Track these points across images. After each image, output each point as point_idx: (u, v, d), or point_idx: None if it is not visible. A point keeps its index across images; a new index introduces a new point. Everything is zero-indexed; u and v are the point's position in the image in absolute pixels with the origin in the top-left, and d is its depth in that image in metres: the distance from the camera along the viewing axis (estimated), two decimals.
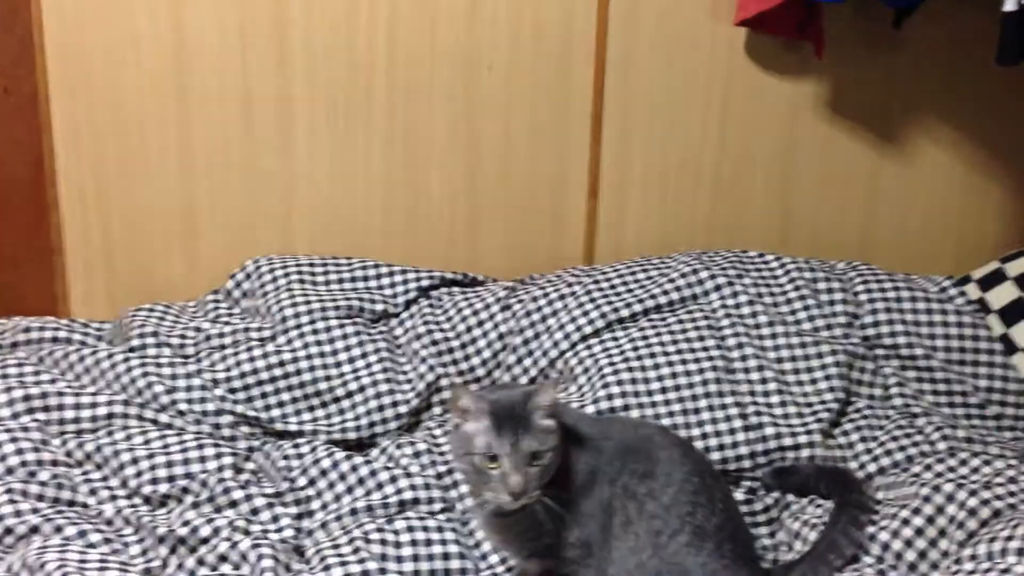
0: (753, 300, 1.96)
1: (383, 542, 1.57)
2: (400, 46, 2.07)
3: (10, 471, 1.63)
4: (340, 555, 1.52)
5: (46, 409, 1.76)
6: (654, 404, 1.80)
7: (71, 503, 1.62)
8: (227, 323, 1.98)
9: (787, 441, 1.75)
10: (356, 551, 1.53)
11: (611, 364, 1.86)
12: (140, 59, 2.01)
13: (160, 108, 2.04)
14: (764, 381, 1.84)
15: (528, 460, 1.33)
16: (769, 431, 1.76)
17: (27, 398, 1.75)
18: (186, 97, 2.04)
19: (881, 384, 1.89)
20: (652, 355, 1.86)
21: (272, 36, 2.03)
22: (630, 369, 1.84)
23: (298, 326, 1.93)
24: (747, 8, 2.07)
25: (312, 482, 1.70)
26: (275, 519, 1.62)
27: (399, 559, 1.55)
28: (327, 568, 1.48)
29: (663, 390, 1.82)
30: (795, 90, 2.20)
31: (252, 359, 1.89)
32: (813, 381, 1.85)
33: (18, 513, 1.54)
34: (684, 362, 1.85)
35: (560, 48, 2.12)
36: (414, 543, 1.58)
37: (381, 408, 1.86)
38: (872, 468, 1.75)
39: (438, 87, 2.11)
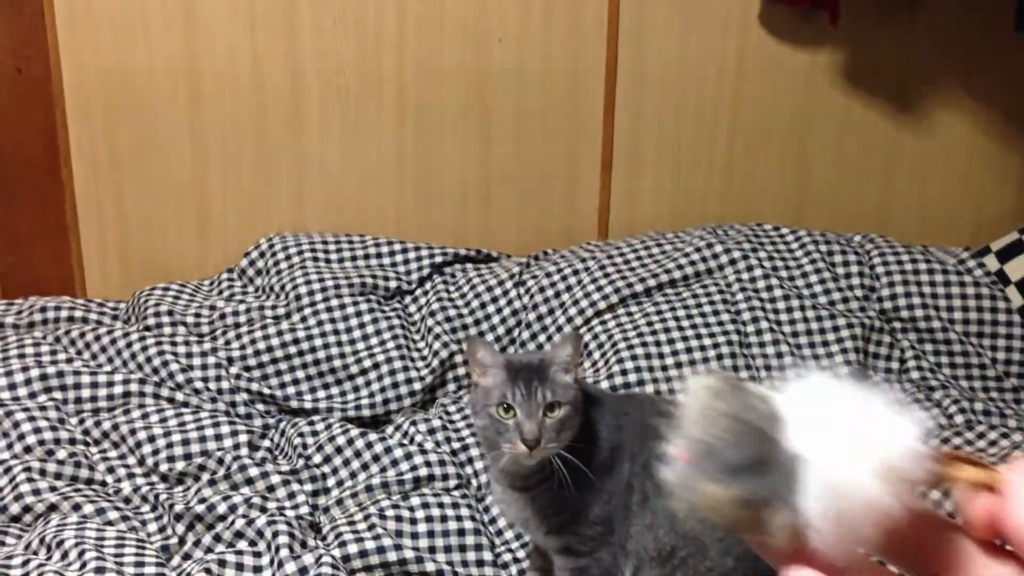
0: (768, 274, 1.94)
1: (398, 518, 1.57)
2: (410, 19, 2.06)
3: (28, 450, 1.64)
4: (356, 531, 1.53)
5: (63, 388, 1.76)
6: (669, 379, 1.79)
7: (89, 481, 1.63)
8: (242, 301, 1.99)
9: None
10: (371, 527, 1.54)
11: (626, 340, 1.85)
12: (151, 37, 2.00)
13: (171, 86, 2.04)
14: (780, 355, 1.83)
15: (543, 410, 1.31)
16: None
17: (44, 377, 1.76)
18: (197, 75, 2.03)
19: (898, 357, 1.88)
20: (667, 330, 1.85)
21: (281, 12, 2.02)
22: (644, 344, 1.84)
23: (312, 304, 1.93)
24: None
25: (327, 459, 1.70)
26: (291, 496, 1.62)
27: (414, 535, 1.55)
28: (343, 544, 1.49)
29: (678, 365, 1.81)
30: (810, 61, 2.18)
31: (267, 337, 1.89)
32: (829, 355, 1.84)
33: (36, 491, 1.55)
34: (699, 337, 1.84)
35: (572, 19, 2.10)
36: (429, 519, 1.58)
37: (396, 385, 1.86)
38: None
39: (449, 61, 2.10)
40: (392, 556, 1.48)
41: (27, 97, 1.98)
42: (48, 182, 2.04)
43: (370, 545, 1.49)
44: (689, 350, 1.83)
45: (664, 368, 1.81)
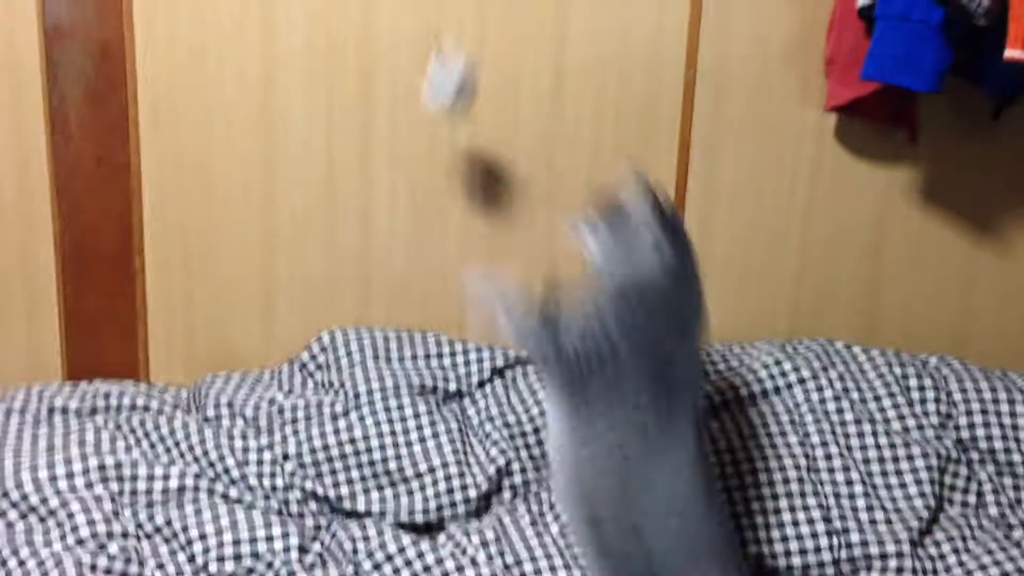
0: (839, 395, 1.88)
1: None
2: (484, 123, 2.07)
3: (80, 543, 1.64)
4: None
5: (120, 479, 1.76)
6: (732, 503, 1.73)
7: None
8: (301, 396, 1.98)
9: (874, 550, 1.66)
10: None
11: None
12: (230, 133, 2.04)
13: (246, 180, 2.07)
14: (850, 483, 1.76)
15: None
16: (855, 537, 1.67)
17: (102, 467, 1.76)
18: (271, 170, 2.07)
19: (976, 490, 1.79)
20: (731, 450, 1.80)
21: (357, 115, 2.05)
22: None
23: (371, 402, 1.91)
24: (839, 95, 2.02)
25: (377, 567, 1.67)
26: None
27: None
28: None
29: (741, 487, 1.75)
30: (887, 176, 2.14)
31: (323, 435, 1.87)
32: (903, 485, 1.76)
33: None
34: (764, 458, 1.78)
35: (644, 129, 2.10)
36: None
37: (451, 491, 1.83)
38: None
39: (519, 167, 2.10)
40: None
41: (107, 186, 2.03)
42: (121, 270, 2.07)
43: None
44: (754, 471, 1.77)
45: (727, 490, 1.75)
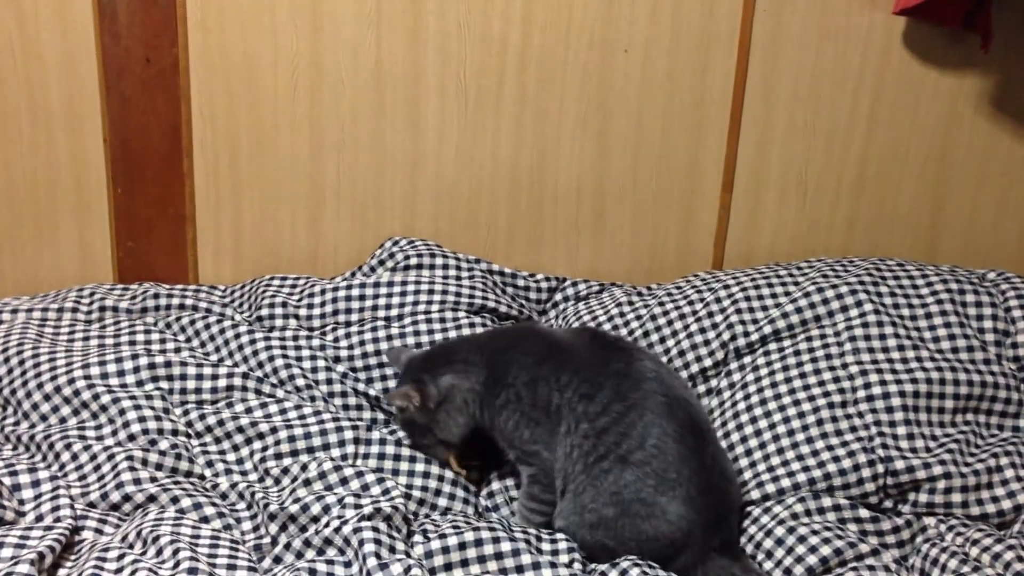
0: (883, 321, 1.82)
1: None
2: (535, 26, 2.02)
3: (132, 438, 1.67)
4: (456, 527, 1.52)
5: (169, 378, 1.79)
6: (763, 445, 1.70)
7: (188, 474, 1.65)
8: (355, 300, 1.97)
9: (921, 474, 1.63)
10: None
11: (722, 414, 1.79)
12: (277, 33, 2.01)
13: (293, 83, 2.04)
14: (890, 410, 1.71)
15: None
16: (899, 464, 1.64)
17: (152, 366, 1.79)
18: (319, 71, 2.04)
19: None
20: (763, 401, 1.75)
21: (407, 13, 2.01)
22: (736, 415, 1.76)
23: (427, 312, 1.92)
24: None
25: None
26: (386, 492, 1.61)
27: (509, 527, 1.55)
28: (443, 536, 1.47)
29: (775, 438, 1.71)
30: (955, 85, 2.05)
31: (376, 340, 1.88)
32: (941, 410, 1.72)
33: (137, 481, 1.58)
34: (797, 403, 1.73)
35: (702, 32, 2.03)
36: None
37: None
38: (1023, 499, 1.63)
39: (571, 69, 2.05)
40: (489, 549, 1.46)
41: (155, 87, 2.02)
42: (170, 172, 2.08)
43: (469, 537, 1.46)
44: (786, 419, 1.71)
45: (762, 446, 1.70)
